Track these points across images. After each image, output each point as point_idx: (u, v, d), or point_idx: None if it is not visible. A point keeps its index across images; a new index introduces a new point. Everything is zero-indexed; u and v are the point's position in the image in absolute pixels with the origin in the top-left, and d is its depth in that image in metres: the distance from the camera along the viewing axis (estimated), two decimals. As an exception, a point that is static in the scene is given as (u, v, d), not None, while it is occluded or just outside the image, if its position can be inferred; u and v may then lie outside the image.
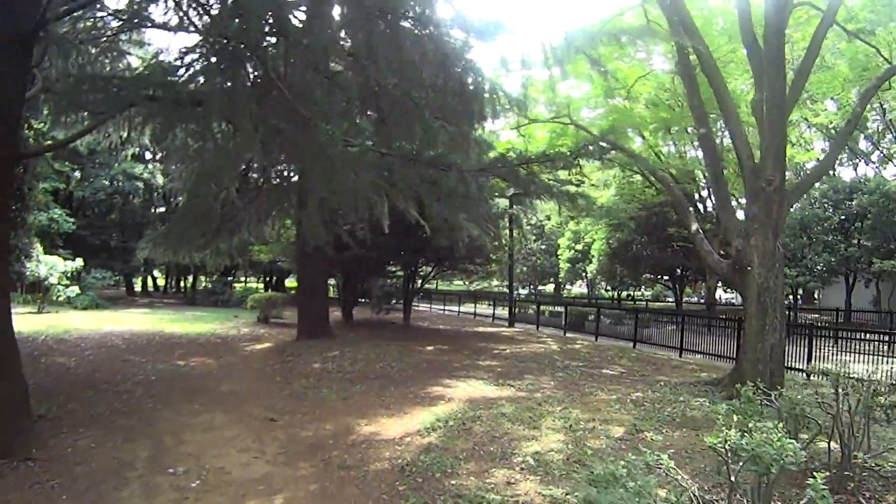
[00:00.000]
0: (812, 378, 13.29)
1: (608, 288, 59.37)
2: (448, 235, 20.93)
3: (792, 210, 35.72)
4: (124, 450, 8.45)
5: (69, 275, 32.26)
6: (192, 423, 10.12)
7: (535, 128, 25.26)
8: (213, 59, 8.80)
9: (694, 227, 15.77)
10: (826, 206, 32.76)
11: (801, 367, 15.68)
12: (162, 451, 8.55)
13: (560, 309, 30.89)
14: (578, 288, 73.15)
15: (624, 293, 59.34)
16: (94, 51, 12.47)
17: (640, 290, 62.92)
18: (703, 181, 37.43)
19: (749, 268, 12.67)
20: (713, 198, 35.57)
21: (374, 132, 10.20)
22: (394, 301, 30.72)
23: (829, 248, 31.49)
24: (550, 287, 68.38)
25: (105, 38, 12.51)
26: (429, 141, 9.33)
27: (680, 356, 20.04)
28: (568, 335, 26.59)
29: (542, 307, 32.60)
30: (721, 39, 19.83)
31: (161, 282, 63.07)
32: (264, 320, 27.96)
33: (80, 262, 33.11)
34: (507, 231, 28.97)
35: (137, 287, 57.61)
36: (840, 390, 7.45)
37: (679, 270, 44.13)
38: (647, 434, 9.57)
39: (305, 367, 15.71)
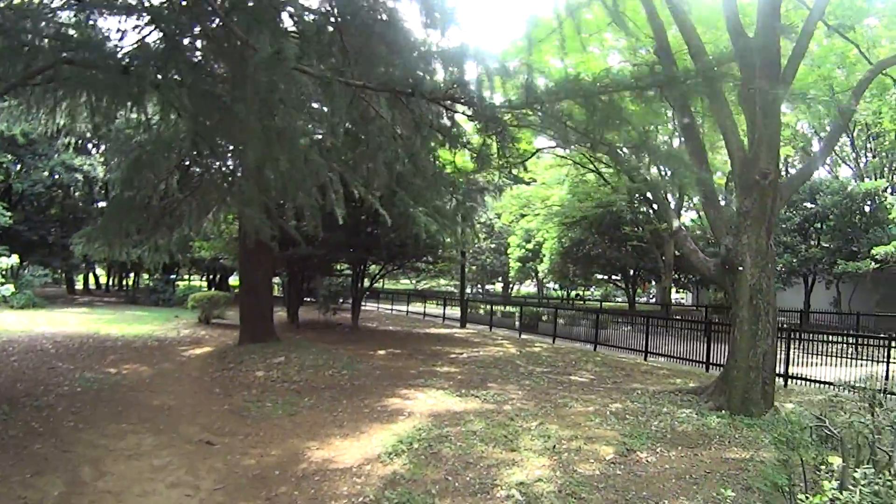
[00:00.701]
0: (790, 385, 13.34)
1: (556, 287, 58.56)
2: (402, 231, 19.80)
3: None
4: (33, 486, 6.89)
5: (3, 272, 30.31)
6: (117, 447, 8.54)
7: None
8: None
9: (676, 223, 14.83)
10: (786, 206, 31.74)
11: (779, 371, 14.57)
12: (77, 486, 7.01)
13: (513, 309, 30.18)
14: (526, 287, 72.19)
15: (573, 293, 58.71)
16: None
17: (588, 290, 62.07)
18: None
19: (741, 268, 11.50)
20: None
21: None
22: (341, 301, 29.22)
23: (789, 249, 30.93)
24: (497, 286, 67.28)
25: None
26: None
27: (645, 359, 19.23)
28: (523, 336, 25.73)
29: (494, 307, 31.77)
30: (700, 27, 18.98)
31: (104, 280, 60.84)
32: (206, 321, 26.45)
33: (15, 258, 31.12)
34: (459, 229, 27.71)
35: (80, 285, 55.98)
36: (876, 409, 6.22)
37: (632, 271, 43.66)
38: (641, 454, 8.37)
39: (247, 375, 14.18)
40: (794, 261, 30.61)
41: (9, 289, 29.71)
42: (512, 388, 13.33)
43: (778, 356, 14.88)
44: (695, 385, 13.89)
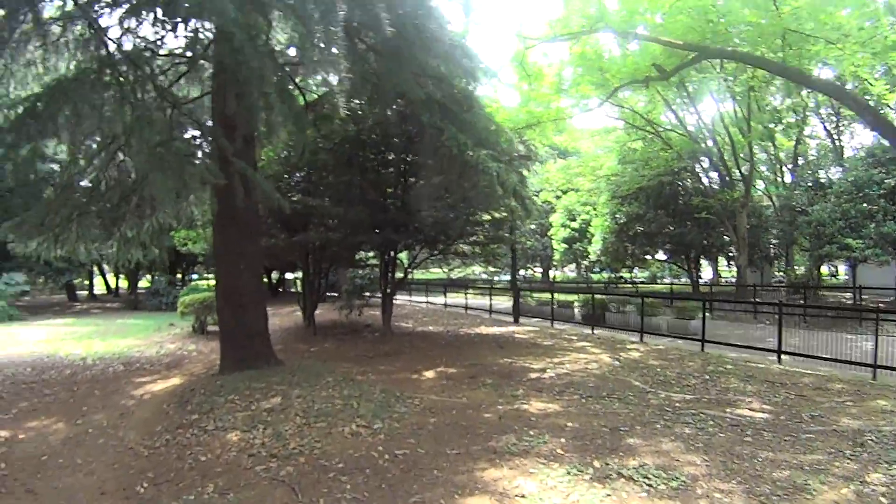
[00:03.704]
0: None
1: (596, 270, 53.26)
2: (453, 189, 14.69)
3: (841, 171, 30.40)
4: None
5: None
6: None
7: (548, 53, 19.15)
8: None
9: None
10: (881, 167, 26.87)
11: None
12: None
13: (570, 298, 25.18)
14: (560, 272, 66.63)
15: (616, 276, 53.27)
16: None
17: (632, 272, 56.81)
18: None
19: None
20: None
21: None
22: (368, 295, 23.72)
23: (892, 217, 25.43)
24: (534, 272, 62.11)
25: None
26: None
27: (779, 361, 14.36)
28: (597, 332, 20.45)
29: (543, 296, 26.57)
30: None
31: (124, 283, 55.67)
32: (200, 330, 21.53)
33: None
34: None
35: (101, 289, 54.09)
36: None
37: (696, 248, 38.84)
38: None
39: (212, 440, 8.48)
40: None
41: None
42: (673, 449, 7.66)
43: None
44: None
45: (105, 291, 56.07)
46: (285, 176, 19.38)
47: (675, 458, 7.22)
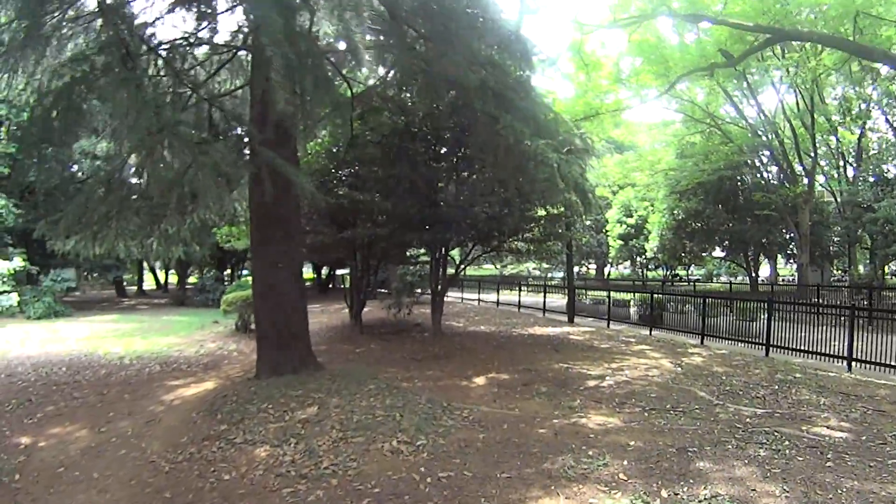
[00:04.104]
0: None
1: (651, 268, 52.19)
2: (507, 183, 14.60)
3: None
4: None
5: (2, 279, 26.42)
6: None
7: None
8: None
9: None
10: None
11: None
12: None
13: (621, 296, 24.53)
14: (616, 269, 65.43)
15: (670, 273, 53.40)
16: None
17: (687, 269, 55.70)
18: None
19: None
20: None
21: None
22: (419, 292, 23.15)
23: None
24: (585, 269, 61.20)
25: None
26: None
27: (850, 370, 13.44)
28: (656, 334, 19.78)
29: (599, 295, 25.85)
30: None
31: (174, 278, 56.07)
32: (243, 328, 21.05)
33: (18, 261, 27.43)
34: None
35: (150, 284, 54.67)
36: None
37: (753, 246, 38.54)
38: None
39: (239, 455, 7.95)
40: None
41: (10, 298, 25.22)
42: (747, 475, 6.88)
43: None
44: None
45: (155, 287, 56.31)
46: (332, 170, 18.83)
47: (752, 488, 6.48)
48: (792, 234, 35.63)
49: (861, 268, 35.52)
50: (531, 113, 11.57)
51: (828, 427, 8.85)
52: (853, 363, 13.53)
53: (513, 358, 14.98)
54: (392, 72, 13.53)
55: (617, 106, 24.38)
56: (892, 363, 12.86)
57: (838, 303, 22.77)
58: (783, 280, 48.41)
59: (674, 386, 11.56)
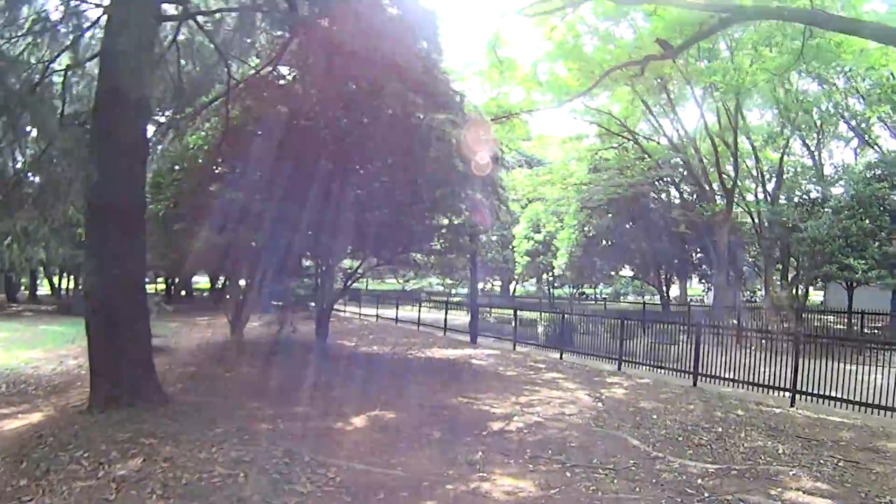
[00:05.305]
0: None
1: (558, 286, 51.03)
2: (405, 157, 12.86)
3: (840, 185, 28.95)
4: None
5: None
6: None
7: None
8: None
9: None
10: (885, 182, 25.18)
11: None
12: None
13: (529, 315, 23.61)
14: (521, 286, 64.22)
15: (577, 291, 52.42)
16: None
17: (595, 288, 54.94)
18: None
19: None
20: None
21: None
22: (312, 305, 20.85)
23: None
24: (492, 285, 59.50)
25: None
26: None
27: (793, 404, 12.00)
28: (566, 357, 18.19)
29: (496, 313, 25.50)
30: None
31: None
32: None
33: None
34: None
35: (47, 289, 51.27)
36: None
37: (668, 264, 38.31)
38: None
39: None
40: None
41: None
42: None
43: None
44: None
45: (50, 292, 52.57)
46: (214, 168, 16.57)
47: None
48: (702, 256, 35.43)
49: (777, 289, 35.00)
50: (431, 88, 9.53)
51: (802, 491, 6.92)
52: (798, 397, 12.07)
53: (404, 389, 12.76)
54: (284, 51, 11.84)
55: (531, 106, 22.75)
56: (836, 395, 11.59)
57: (758, 325, 21.65)
58: (692, 300, 48.14)
59: (597, 429, 9.48)
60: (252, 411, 10.16)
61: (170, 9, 12.08)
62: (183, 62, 14.09)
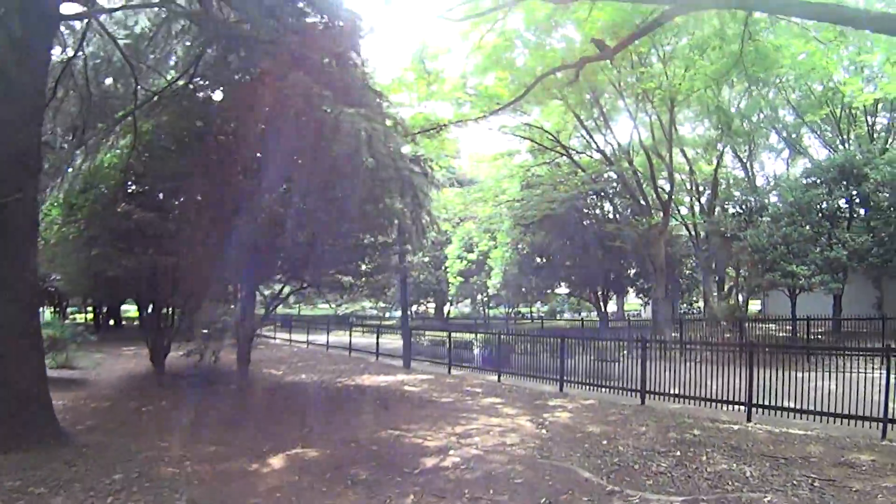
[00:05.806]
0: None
1: (493, 306, 50.48)
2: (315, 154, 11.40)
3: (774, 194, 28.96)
4: None
5: None
6: None
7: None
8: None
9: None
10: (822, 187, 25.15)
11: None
12: None
13: (462, 336, 22.70)
14: (456, 308, 63.59)
15: (512, 311, 51.88)
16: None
17: (531, 307, 54.42)
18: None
19: None
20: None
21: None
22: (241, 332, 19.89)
23: (838, 241, 23.75)
24: (426, 307, 58.98)
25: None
26: None
27: (749, 419, 11.52)
28: (504, 380, 17.79)
29: (436, 336, 23.74)
30: None
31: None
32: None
33: None
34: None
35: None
36: None
37: (604, 280, 37.48)
38: None
39: None
40: (845, 254, 23.11)
41: None
42: None
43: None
44: None
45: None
46: (130, 186, 16.08)
47: None
48: (639, 270, 35.32)
49: (716, 300, 34.90)
50: (343, 84, 8.66)
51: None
52: (755, 411, 11.62)
53: (330, 422, 11.64)
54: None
55: (461, 117, 22.00)
56: (793, 405, 11.16)
57: (700, 337, 21.22)
58: (630, 315, 47.92)
59: (544, 461, 8.52)
60: (160, 452, 9.08)
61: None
62: (92, 74, 13.05)
